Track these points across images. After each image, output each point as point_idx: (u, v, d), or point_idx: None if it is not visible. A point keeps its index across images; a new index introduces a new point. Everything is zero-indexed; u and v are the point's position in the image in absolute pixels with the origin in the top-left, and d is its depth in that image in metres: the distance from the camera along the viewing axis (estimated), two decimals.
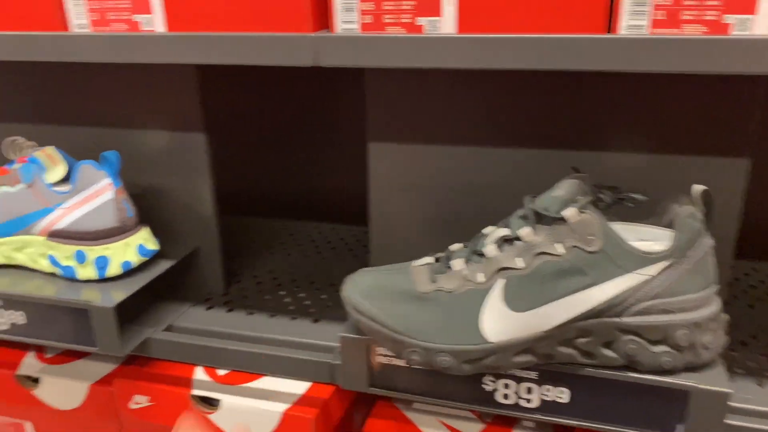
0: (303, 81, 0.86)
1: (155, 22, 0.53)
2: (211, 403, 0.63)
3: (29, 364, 0.72)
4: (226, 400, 0.62)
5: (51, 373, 0.71)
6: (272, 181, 0.93)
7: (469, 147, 0.59)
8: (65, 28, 0.56)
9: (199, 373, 0.65)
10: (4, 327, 0.62)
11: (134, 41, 0.53)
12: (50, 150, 0.63)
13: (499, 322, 0.47)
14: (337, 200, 0.91)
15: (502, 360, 0.48)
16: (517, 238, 0.49)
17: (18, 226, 0.63)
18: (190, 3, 0.52)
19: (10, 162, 0.65)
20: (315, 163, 0.90)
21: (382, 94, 0.59)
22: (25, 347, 0.75)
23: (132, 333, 0.62)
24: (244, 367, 0.63)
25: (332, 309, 0.68)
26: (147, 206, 0.69)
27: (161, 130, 0.66)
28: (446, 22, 0.47)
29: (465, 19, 0.46)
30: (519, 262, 0.48)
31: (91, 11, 0.54)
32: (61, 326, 0.60)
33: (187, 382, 0.65)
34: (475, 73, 0.56)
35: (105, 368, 0.70)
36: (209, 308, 0.69)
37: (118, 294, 0.60)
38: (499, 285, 0.48)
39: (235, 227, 0.90)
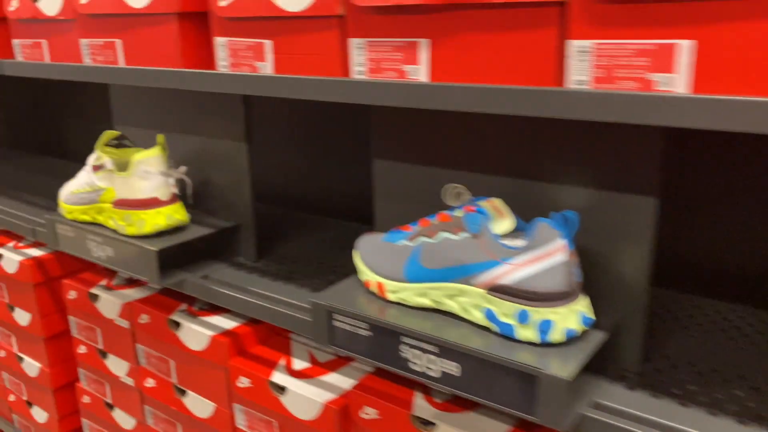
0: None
1: (677, 82, 0.48)
2: None
3: (421, 406, 0.72)
4: None
5: (446, 421, 0.70)
6: (704, 253, 0.83)
7: None
8: (561, 83, 0.54)
9: None
10: (435, 375, 0.62)
11: (650, 101, 0.48)
12: (497, 202, 0.63)
13: None
14: None
15: None
16: None
17: (456, 273, 0.63)
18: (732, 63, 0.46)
19: (451, 209, 0.66)
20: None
21: None
22: (412, 385, 0.76)
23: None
24: None
25: None
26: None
27: (611, 191, 0.62)
28: None
29: None
30: None
31: (596, 67, 0.52)
32: (495, 386, 0.58)
33: None
34: None
35: (501, 428, 0.68)
36: (630, 388, 0.62)
37: (567, 365, 0.56)
38: None
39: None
